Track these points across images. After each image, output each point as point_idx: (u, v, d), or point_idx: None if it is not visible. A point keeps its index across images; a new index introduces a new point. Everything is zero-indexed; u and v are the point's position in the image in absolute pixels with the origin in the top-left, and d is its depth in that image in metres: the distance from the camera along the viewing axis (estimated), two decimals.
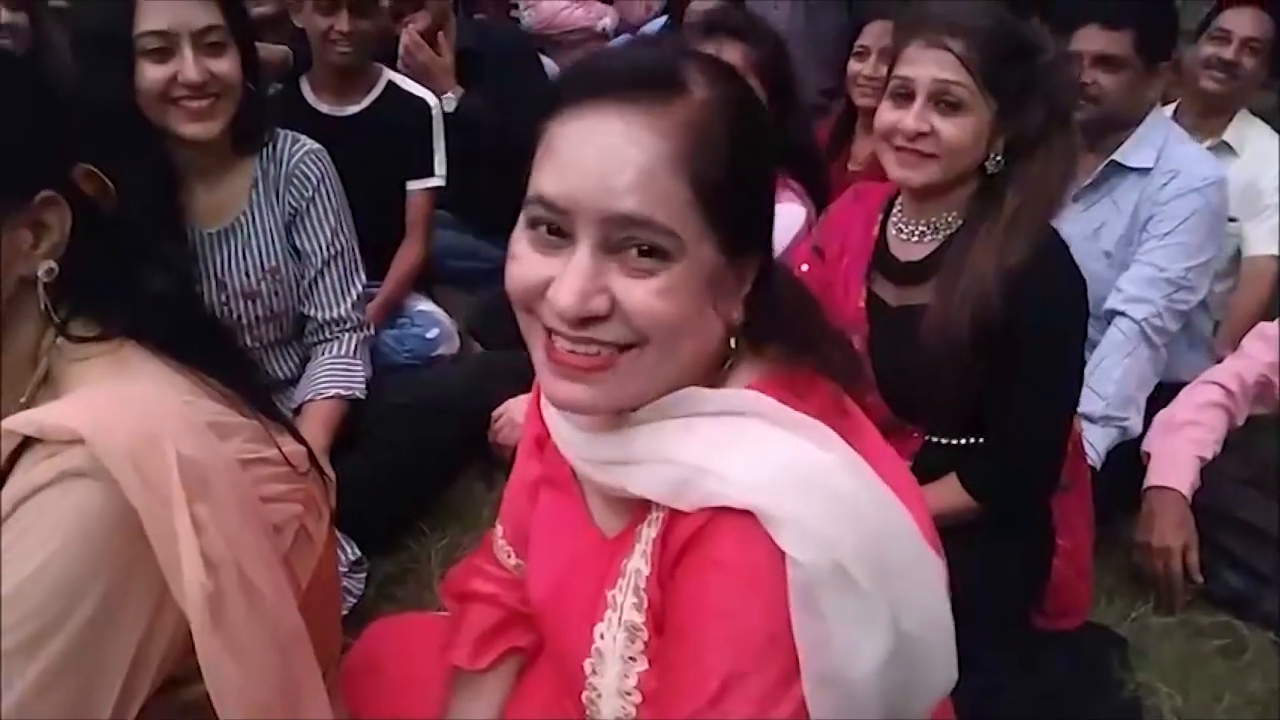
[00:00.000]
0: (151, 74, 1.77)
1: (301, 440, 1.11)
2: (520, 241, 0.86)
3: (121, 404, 0.89)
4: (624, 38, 3.98)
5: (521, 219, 0.86)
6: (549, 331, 0.85)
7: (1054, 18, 2.02)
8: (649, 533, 0.91)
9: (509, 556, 1.22)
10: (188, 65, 1.78)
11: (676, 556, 0.87)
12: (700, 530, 0.84)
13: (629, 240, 0.81)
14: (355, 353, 2.09)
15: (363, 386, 2.07)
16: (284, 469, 1.04)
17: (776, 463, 0.84)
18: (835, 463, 0.86)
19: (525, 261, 0.85)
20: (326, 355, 2.07)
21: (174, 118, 1.81)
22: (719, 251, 0.85)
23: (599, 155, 0.81)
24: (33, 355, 0.95)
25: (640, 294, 0.82)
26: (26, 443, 0.85)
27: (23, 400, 0.93)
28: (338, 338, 2.08)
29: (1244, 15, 2.71)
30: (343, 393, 2.01)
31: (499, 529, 1.24)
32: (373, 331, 2.19)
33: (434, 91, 2.86)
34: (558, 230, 0.83)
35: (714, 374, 0.92)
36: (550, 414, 1.01)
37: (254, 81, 1.93)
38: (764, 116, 0.91)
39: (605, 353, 0.84)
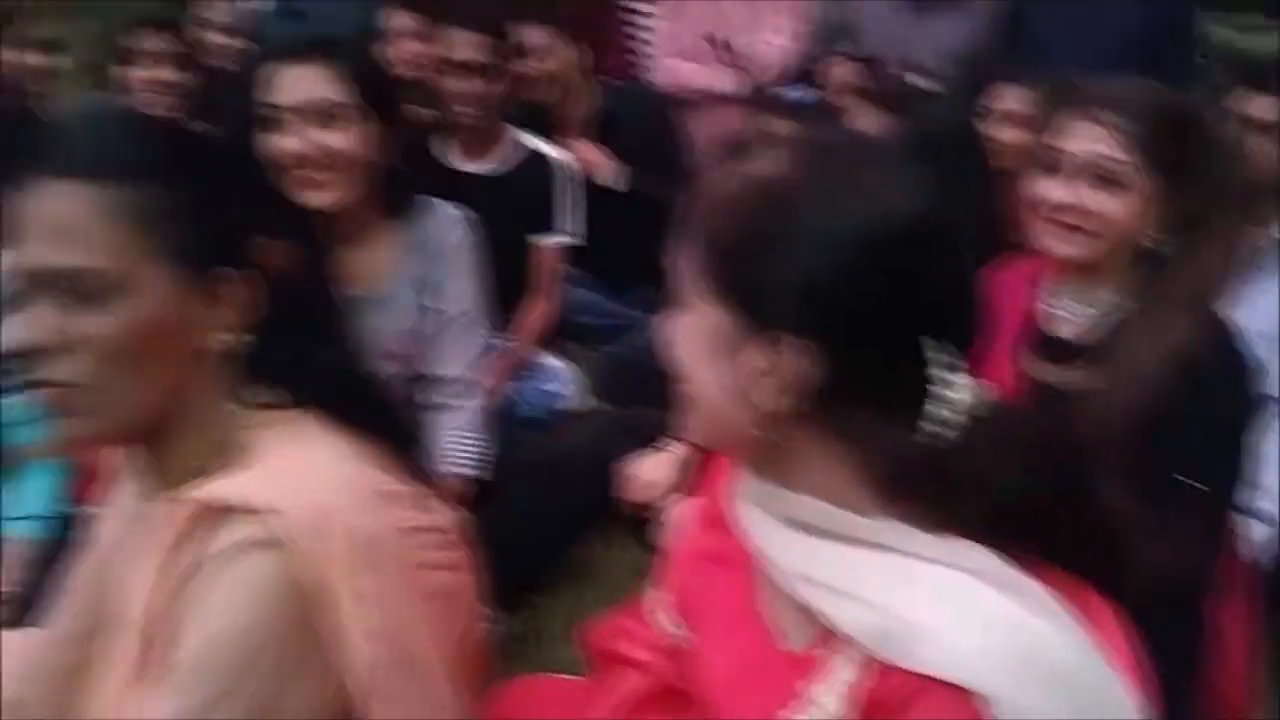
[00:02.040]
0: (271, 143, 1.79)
1: (452, 506, 1.13)
2: None
3: (301, 475, 0.91)
4: None
5: None
6: None
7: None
8: (845, 674, 0.85)
9: (672, 625, 1.16)
10: (293, 137, 1.79)
11: (879, 713, 0.82)
12: (910, 697, 0.79)
13: None
14: (475, 425, 2.09)
15: (483, 463, 2.06)
16: (440, 536, 1.05)
17: (994, 632, 0.79)
18: (1055, 634, 0.80)
19: None
20: (446, 429, 2.07)
21: (289, 185, 1.80)
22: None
23: None
24: (210, 423, 0.97)
25: None
26: (207, 511, 0.87)
27: (200, 467, 0.95)
28: (451, 405, 2.07)
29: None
30: (467, 473, 2.03)
31: (661, 594, 1.19)
32: (486, 398, 2.17)
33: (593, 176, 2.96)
34: None
35: None
36: (738, 505, 0.97)
37: (392, 152, 1.93)
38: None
39: None
